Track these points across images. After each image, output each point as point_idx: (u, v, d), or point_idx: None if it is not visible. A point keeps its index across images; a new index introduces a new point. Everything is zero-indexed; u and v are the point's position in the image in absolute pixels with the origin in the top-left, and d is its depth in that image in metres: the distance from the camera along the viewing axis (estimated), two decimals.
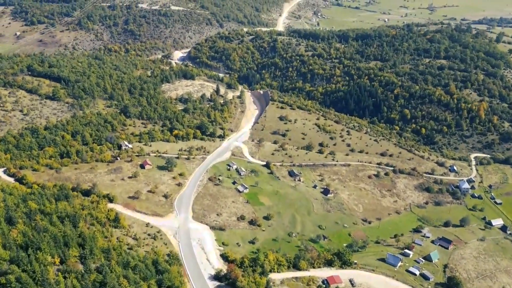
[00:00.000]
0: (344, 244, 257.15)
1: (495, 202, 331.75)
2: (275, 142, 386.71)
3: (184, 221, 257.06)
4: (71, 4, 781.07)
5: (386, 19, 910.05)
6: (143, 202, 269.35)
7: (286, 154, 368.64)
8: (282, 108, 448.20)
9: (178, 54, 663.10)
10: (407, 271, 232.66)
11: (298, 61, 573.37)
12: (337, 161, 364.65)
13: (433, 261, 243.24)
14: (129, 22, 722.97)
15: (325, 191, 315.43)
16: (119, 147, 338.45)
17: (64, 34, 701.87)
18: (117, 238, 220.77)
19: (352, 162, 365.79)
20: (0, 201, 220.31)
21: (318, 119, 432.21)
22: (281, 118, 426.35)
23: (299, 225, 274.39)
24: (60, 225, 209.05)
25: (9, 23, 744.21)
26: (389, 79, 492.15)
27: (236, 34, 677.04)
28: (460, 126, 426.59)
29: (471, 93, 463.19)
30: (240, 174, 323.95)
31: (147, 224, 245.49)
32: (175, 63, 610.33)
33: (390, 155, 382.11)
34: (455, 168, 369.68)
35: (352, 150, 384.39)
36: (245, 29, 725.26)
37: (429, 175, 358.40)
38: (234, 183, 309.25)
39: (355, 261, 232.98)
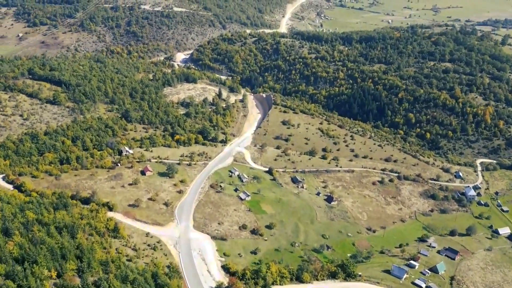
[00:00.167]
0: (348, 255, 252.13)
1: (502, 210, 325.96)
2: (277, 147, 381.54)
3: (184, 230, 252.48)
4: (73, 6, 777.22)
5: (390, 20, 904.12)
6: (144, 211, 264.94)
7: (289, 159, 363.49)
8: (285, 112, 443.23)
9: (180, 56, 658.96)
10: (413, 283, 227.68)
11: (301, 63, 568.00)
12: (340, 167, 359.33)
13: (440, 273, 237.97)
14: (132, 24, 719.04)
15: (329, 199, 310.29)
16: (120, 152, 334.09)
17: (66, 36, 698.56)
18: (116, 249, 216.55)
19: (356, 168, 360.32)
20: None
21: (321, 123, 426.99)
22: (284, 123, 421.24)
23: (302, 234, 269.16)
24: (57, 236, 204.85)
25: (12, 25, 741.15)
26: (393, 83, 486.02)
27: (239, 36, 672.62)
28: (465, 131, 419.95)
29: (476, 97, 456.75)
30: (242, 181, 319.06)
31: (147, 234, 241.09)
32: (178, 65, 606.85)
33: (395, 161, 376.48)
34: (460, 174, 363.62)
35: (356, 156, 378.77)
36: (248, 31, 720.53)
37: (434, 182, 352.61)
38: (236, 190, 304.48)
39: (360, 273, 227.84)
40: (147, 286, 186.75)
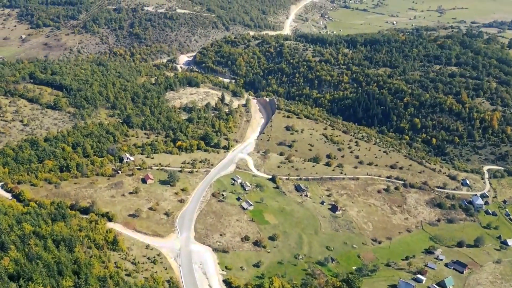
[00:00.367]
0: (353, 268, 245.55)
1: (510, 219, 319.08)
2: (281, 154, 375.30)
3: (185, 242, 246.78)
4: (76, 7, 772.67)
5: (395, 22, 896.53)
6: (144, 221, 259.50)
7: (292, 166, 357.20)
8: (288, 117, 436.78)
9: (183, 58, 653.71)
10: None
11: (305, 66, 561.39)
12: (345, 175, 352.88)
13: None
14: (135, 26, 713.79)
15: (333, 208, 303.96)
16: (121, 159, 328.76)
17: (69, 38, 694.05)
18: (115, 263, 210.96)
19: (361, 175, 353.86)
20: None
21: (325, 129, 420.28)
22: (287, 128, 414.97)
23: (306, 246, 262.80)
24: (55, 250, 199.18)
25: (15, 26, 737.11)
26: (399, 87, 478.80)
27: (242, 39, 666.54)
28: (472, 137, 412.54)
29: (483, 102, 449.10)
30: (244, 189, 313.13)
31: (147, 246, 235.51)
32: (181, 67, 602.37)
33: (400, 168, 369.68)
34: (467, 182, 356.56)
35: (360, 162, 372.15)
36: (251, 33, 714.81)
37: (440, 190, 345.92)
38: (238, 199, 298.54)
39: None
40: None
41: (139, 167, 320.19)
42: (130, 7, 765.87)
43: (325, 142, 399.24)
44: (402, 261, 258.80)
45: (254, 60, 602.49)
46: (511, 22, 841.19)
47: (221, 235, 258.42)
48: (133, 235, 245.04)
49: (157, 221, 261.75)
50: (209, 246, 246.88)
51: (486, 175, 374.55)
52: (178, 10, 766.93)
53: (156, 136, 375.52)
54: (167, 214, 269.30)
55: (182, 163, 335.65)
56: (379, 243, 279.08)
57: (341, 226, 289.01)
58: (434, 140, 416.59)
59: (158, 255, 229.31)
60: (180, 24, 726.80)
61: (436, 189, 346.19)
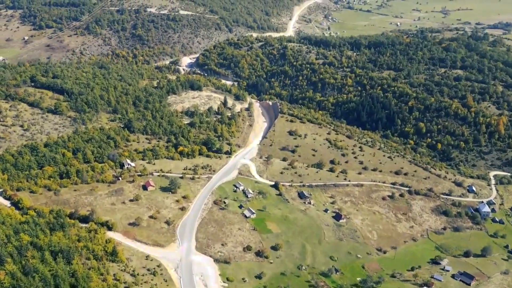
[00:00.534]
0: (358, 279, 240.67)
1: None
2: (284, 159, 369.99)
3: (186, 252, 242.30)
4: (79, 8, 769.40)
5: (399, 23, 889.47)
6: (144, 230, 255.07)
7: (295, 172, 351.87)
8: (291, 121, 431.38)
9: (186, 60, 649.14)
10: None
11: (308, 69, 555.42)
12: (349, 181, 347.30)
13: None
14: (137, 27, 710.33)
15: (337, 216, 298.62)
16: (122, 165, 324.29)
17: (72, 39, 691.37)
18: (114, 275, 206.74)
19: (365, 181, 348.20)
20: None
21: (329, 133, 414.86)
22: (290, 133, 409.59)
23: (310, 256, 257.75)
24: (52, 262, 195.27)
25: (18, 27, 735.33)
26: (403, 90, 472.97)
27: (245, 41, 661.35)
28: (478, 142, 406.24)
29: (489, 106, 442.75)
30: (247, 196, 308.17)
31: (147, 257, 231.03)
32: (183, 69, 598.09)
33: (405, 174, 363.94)
34: (474, 188, 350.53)
35: (365, 168, 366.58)
36: (255, 35, 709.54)
37: (446, 197, 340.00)
38: (240, 207, 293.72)
39: None
40: None
41: (140, 174, 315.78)
42: (133, 8, 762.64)
43: (329, 147, 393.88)
44: (408, 272, 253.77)
45: (257, 62, 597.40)
46: None
47: (222, 244, 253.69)
48: (133, 244, 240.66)
49: (157, 230, 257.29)
50: (210, 256, 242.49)
51: (493, 181, 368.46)
52: (181, 12, 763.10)
53: (158, 141, 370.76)
54: (167, 222, 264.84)
55: (184, 169, 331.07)
56: (384, 252, 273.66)
57: (345, 235, 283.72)
58: (439, 145, 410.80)
59: (158, 266, 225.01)
60: (182, 26, 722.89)
61: (441, 196, 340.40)
